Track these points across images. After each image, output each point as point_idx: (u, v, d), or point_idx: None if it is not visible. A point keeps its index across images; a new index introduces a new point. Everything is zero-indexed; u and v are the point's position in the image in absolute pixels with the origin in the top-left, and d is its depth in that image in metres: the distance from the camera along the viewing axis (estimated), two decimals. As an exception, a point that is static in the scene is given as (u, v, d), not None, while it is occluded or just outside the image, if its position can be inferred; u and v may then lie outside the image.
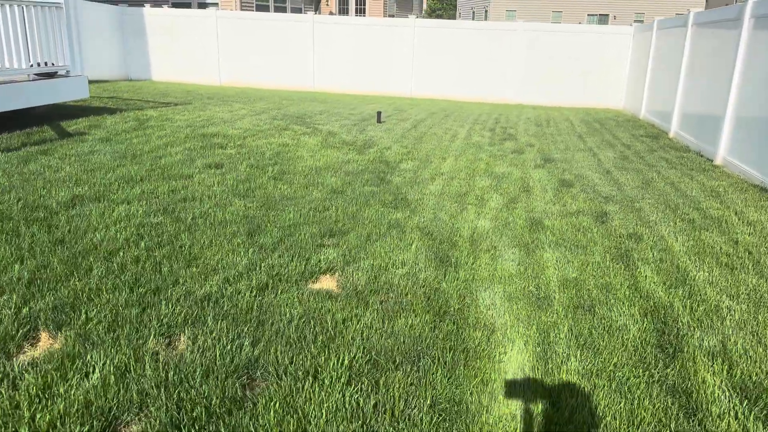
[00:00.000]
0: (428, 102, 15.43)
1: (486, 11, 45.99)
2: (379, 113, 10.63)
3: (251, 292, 3.37)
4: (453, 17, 63.04)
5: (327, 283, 3.61)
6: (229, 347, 2.78)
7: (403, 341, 2.95)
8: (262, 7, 22.11)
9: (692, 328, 3.27)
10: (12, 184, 5.23)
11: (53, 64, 8.67)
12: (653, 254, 4.37)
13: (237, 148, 7.46)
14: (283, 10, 23.55)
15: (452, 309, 3.35)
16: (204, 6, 20.65)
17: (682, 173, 7.30)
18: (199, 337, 2.86)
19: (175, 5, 20.89)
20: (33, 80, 8.36)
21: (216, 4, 20.90)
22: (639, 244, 4.59)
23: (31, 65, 8.31)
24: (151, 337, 2.84)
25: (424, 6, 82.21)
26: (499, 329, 3.16)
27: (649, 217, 5.35)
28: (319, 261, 3.89)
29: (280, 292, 3.40)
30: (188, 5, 20.78)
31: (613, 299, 3.58)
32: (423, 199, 5.56)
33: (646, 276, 3.96)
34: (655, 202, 5.89)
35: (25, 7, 8.08)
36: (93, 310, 3.06)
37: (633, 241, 4.66)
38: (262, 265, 3.76)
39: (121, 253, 3.80)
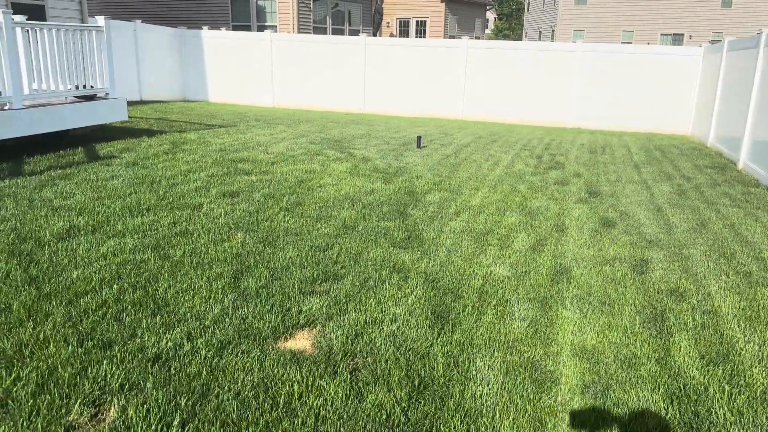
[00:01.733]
0: (479, 125, 14.88)
1: (553, 31, 45.00)
2: (419, 138, 10.21)
3: (209, 350, 3.00)
4: (520, 37, 62.11)
5: (301, 341, 3.20)
6: (154, 426, 2.40)
7: (365, 426, 2.49)
8: (320, 30, 22.26)
9: (729, 424, 2.64)
10: (16, 211, 5.13)
11: (92, 87, 8.77)
12: (694, 318, 3.72)
13: (261, 174, 7.22)
14: (341, 32, 23.66)
15: (435, 382, 2.86)
16: (263, 29, 20.97)
17: (745, 213, 6.48)
18: (129, 408, 2.51)
19: (236, 28, 21.33)
20: (71, 102, 8.46)
21: (274, 27, 21.19)
22: (679, 303, 3.94)
23: (70, 88, 8.41)
24: (77, 405, 2.50)
25: (491, 26, 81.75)
26: (485, 415, 2.65)
27: (697, 267, 4.65)
28: (300, 312, 3.49)
29: (241, 352, 3.01)
30: (248, 27, 21.18)
31: (634, 377, 2.99)
32: (439, 238, 5.08)
33: (680, 347, 3.32)
34: (708, 248, 5.16)
35: (66, 31, 8.20)
36: (28, 367, 2.76)
37: (673, 299, 4.01)
38: (235, 315, 3.40)
39: (89, 297, 3.53)
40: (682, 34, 41.25)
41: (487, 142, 11.52)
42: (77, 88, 8.57)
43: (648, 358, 3.19)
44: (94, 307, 3.39)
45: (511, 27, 75.58)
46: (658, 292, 4.11)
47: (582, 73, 15.25)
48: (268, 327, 3.28)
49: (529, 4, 54.80)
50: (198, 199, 5.87)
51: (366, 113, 16.87)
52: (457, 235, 5.22)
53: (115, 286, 3.70)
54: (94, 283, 3.72)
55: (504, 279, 4.23)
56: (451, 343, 3.23)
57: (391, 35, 31.47)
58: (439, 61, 16.25)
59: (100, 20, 8.84)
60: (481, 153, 10.01)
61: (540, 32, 49.29)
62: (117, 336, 3.09)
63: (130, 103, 15.00)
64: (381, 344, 3.17)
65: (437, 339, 3.27)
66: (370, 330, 3.32)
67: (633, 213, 6.33)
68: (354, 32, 23.91)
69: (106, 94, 9.04)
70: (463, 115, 16.35)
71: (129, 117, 12.04)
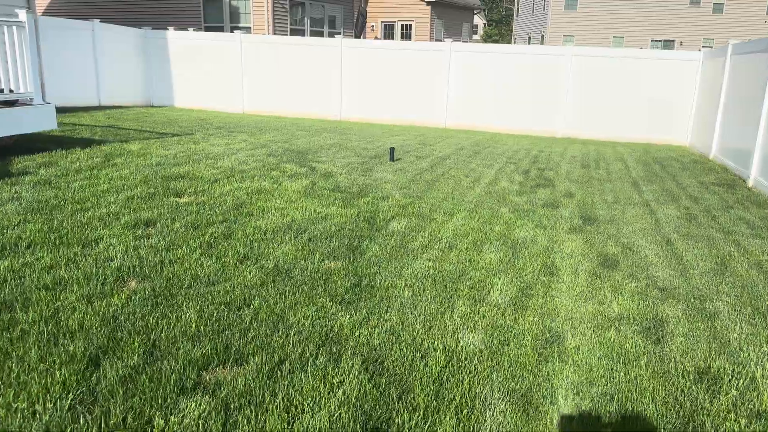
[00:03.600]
0: (462, 134, 13.79)
1: (543, 36, 44.21)
2: (392, 150, 9.09)
3: None
4: (509, 43, 61.39)
5: (150, 486, 2.05)
6: None
7: None
8: (298, 32, 21.14)
9: None
10: None
11: (11, 91, 7.57)
12: (739, 424, 2.61)
13: (196, 195, 6.06)
14: (321, 35, 22.54)
15: None
16: (237, 29, 19.83)
17: (772, 246, 5.41)
18: None
19: (209, 29, 20.16)
20: (-14, 109, 7.28)
21: (249, 28, 20.04)
22: (715, 397, 2.83)
23: (-15, 92, 7.22)
24: None
25: (480, 32, 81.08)
26: None
27: (728, 332, 3.55)
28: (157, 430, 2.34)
29: None
30: (221, 29, 20.00)
31: None
32: (395, 287, 3.95)
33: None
34: (736, 299, 4.07)
35: (-22, 26, 7.03)
36: None
37: (705, 388, 2.90)
38: (63, 436, 2.25)
39: None
40: (673, 40, 40.58)
41: (469, 154, 10.43)
42: (-6, 91, 7.39)
43: None
44: None
45: (500, 33, 74.96)
46: (682, 376, 3.00)
47: (572, 78, 14.22)
48: (105, 460, 2.13)
49: (518, 9, 54.08)
50: (100, 230, 4.70)
51: (343, 120, 15.75)
52: (419, 281, 4.10)
53: None
54: None
55: (474, 355, 3.11)
56: (383, 488, 2.10)
57: (376, 38, 30.43)
58: (421, 66, 15.17)
59: (22, 14, 7.65)
60: (461, 167, 8.90)
61: (529, 37, 48.52)
62: None
63: (86, 109, 13.79)
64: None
65: (364, 478, 2.14)
66: (262, 463, 2.18)
67: (638, 247, 5.23)
68: (335, 35, 22.81)
69: (30, 99, 7.84)
70: (446, 123, 15.27)
71: (75, 124, 10.86)
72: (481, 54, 14.87)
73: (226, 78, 16.39)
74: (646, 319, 3.69)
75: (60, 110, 13.33)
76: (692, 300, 4.03)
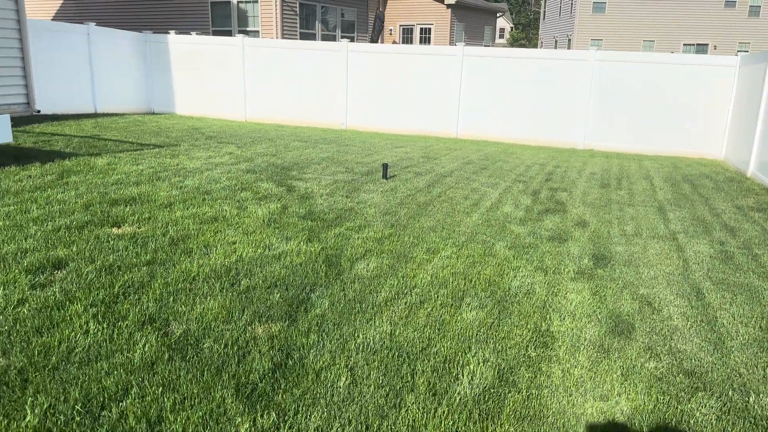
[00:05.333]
0: (473, 146, 12.77)
1: (569, 40, 42.80)
2: (385, 166, 8.13)
3: None
4: (535, 47, 59.99)
5: None
6: None
7: None
8: (309, 36, 20.33)
9: None
10: None
11: (-43, 101, 6.83)
12: None
13: (137, 224, 5.19)
14: (333, 39, 21.68)
15: None
16: (246, 33, 19.11)
17: (832, 302, 4.31)
18: None
19: (217, 33, 19.48)
20: (-73, 121, 6.54)
21: (257, 32, 19.31)
22: None
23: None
24: None
25: (506, 36, 79.58)
26: None
27: (787, 458, 2.52)
28: None
29: None
30: (229, 33, 19.31)
31: None
32: (331, 370, 2.99)
33: None
34: (795, 393, 3.02)
35: None
36: None
37: None
38: None
39: None
40: (706, 45, 38.87)
41: (476, 169, 9.41)
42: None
43: None
44: None
45: (527, 37, 73.44)
46: None
47: (594, 84, 13.09)
48: None
49: (545, 12, 52.69)
50: (-11, 277, 3.84)
51: (347, 130, 14.86)
52: (366, 359, 3.14)
53: None
54: None
55: (409, 500, 2.14)
56: None
57: (394, 42, 29.55)
58: (431, 72, 14.19)
59: (-30, 15, 6.90)
60: (462, 186, 7.91)
61: (556, 41, 47.12)
62: None
63: (78, 117, 13.14)
64: None
65: None
66: None
67: (660, 301, 4.19)
68: (348, 40, 22.00)
69: (-20, 109, 7.09)
70: (458, 133, 14.26)
71: (54, 134, 10.16)
72: (496, 59, 13.83)
73: (228, 84, 15.64)
74: (669, 420, 2.68)
75: (51, 118, 12.73)
76: (730, 392, 2.99)
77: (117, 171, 7.37)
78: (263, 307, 3.64)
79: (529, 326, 3.64)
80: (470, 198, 7.25)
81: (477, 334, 3.49)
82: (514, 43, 70.36)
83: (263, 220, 5.58)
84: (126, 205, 5.78)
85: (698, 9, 37.98)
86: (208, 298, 3.73)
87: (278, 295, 3.84)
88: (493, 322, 3.66)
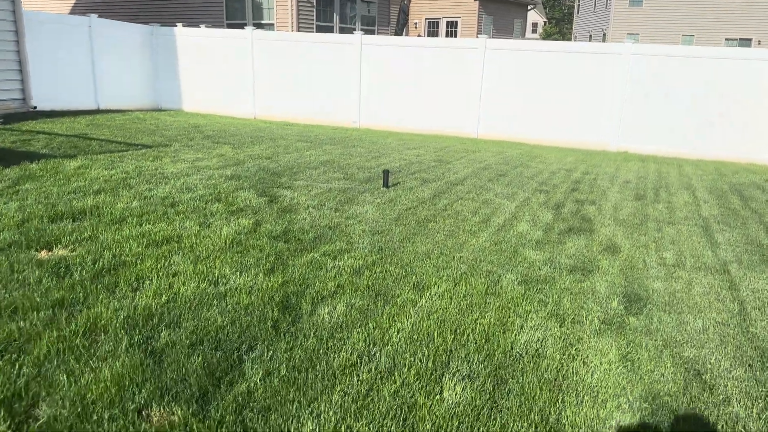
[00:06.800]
0: (494, 147, 11.71)
1: (604, 34, 41.10)
2: (386, 173, 7.16)
3: None
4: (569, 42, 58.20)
5: None
6: None
7: None
8: (326, 29, 19.42)
9: None
10: None
11: None
12: None
13: (74, 246, 4.34)
14: (351, 32, 20.75)
15: None
16: (261, 27, 18.33)
17: None
18: None
19: (231, 26, 18.73)
20: None
21: (272, 25, 18.50)
22: None
23: None
24: None
25: (539, 30, 77.44)
26: None
27: None
28: None
29: None
30: (243, 26, 18.54)
31: None
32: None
33: None
34: None
35: None
36: None
37: None
38: None
39: None
40: (750, 39, 36.84)
41: (492, 176, 8.38)
42: None
43: None
44: None
45: (561, 31, 71.39)
46: None
47: (629, 80, 11.89)
48: None
49: (579, 6, 50.91)
50: None
51: (360, 128, 13.92)
52: (291, 471, 2.19)
53: None
54: None
55: None
56: None
57: (419, 36, 28.49)
58: (451, 66, 13.15)
59: None
60: (473, 197, 6.90)
61: (590, 36, 45.40)
62: None
63: (76, 113, 12.47)
64: None
65: None
66: None
67: (712, 372, 3.14)
68: (370, 32, 21.03)
69: (-69, 106, 6.34)
70: (478, 133, 13.20)
71: (37, 133, 9.46)
72: (523, 53, 12.71)
73: (236, 79, 14.85)
74: None
75: (46, 115, 12.06)
76: None
77: (84, 176, 6.57)
78: (173, 380, 2.72)
79: (532, 415, 2.64)
80: (480, 212, 6.24)
81: (458, 430, 2.51)
82: (547, 37, 68.33)
83: (225, 242, 4.68)
84: (71, 221, 4.95)
85: (742, 1, 35.96)
86: (106, 362, 2.82)
87: (200, 358, 2.92)
88: (483, 408, 2.68)
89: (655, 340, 3.47)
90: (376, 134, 12.88)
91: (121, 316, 3.28)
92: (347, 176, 7.70)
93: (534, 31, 79.71)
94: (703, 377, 3.07)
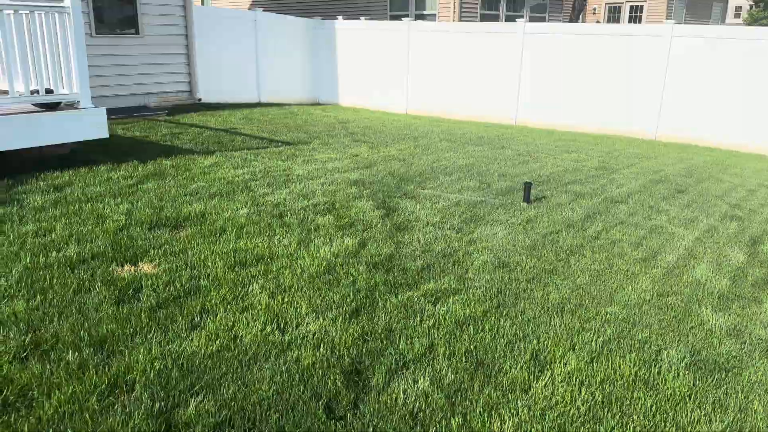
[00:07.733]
0: (677, 151, 9.84)
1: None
2: (527, 186, 6.04)
3: None
4: (779, 26, 50.24)
5: None
6: None
7: None
8: (491, 18, 18.25)
9: None
10: None
11: (51, 91, 6.32)
12: None
13: (159, 262, 3.97)
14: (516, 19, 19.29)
15: None
16: (423, 18, 17.75)
17: None
18: None
19: (394, 18, 18.36)
20: (21, 113, 6.12)
21: (434, 16, 17.79)
22: None
23: (23, 92, 6.05)
24: None
25: (743, 15, 67.70)
26: None
27: None
28: None
29: None
30: (406, 17, 18.06)
31: None
32: None
33: None
34: None
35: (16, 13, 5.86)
36: None
37: None
38: None
39: None
40: None
41: (668, 192, 6.84)
42: (34, 93, 6.21)
43: None
44: None
45: (772, 14, 61.69)
46: None
47: None
48: None
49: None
50: None
51: (517, 125, 12.70)
52: None
53: None
54: None
55: None
56: None
57: (597, 22, 25.98)
58: (620, 55, 11.39)
59: None
60: (639, 222, 5.55)
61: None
62: None
63: (236, 106, 12.82)
64: None
65: None
66: None
67: None
68: (535, 19, 19.44)
69: (77, 102, 6.54)
70: (657, 134, 11.32)
71: (190, 126, 9.71)
72: (722, 41, 10.58)
73: (390, 73, 14.39)
74: None
75: (208, 107, 12.53)
76: None
77: (209, 176, 6.37)
78: (172, 480, 2.07)
79: None
80: (645, 245, 4.93)
81: None
82: (753, 23, 59.51)
83: (318, 267, 4.02)
84: (171, 229, 4.64)
85: None
86: (119, 416, 2.26)
87: (218, 448, 2.24)
88: None
89: None
90: (533, 133, 11.59)
91: (156, 368, 2.73)
92: (484, 185, 6.71)
93: (737, 15, 70.12)
94: None
